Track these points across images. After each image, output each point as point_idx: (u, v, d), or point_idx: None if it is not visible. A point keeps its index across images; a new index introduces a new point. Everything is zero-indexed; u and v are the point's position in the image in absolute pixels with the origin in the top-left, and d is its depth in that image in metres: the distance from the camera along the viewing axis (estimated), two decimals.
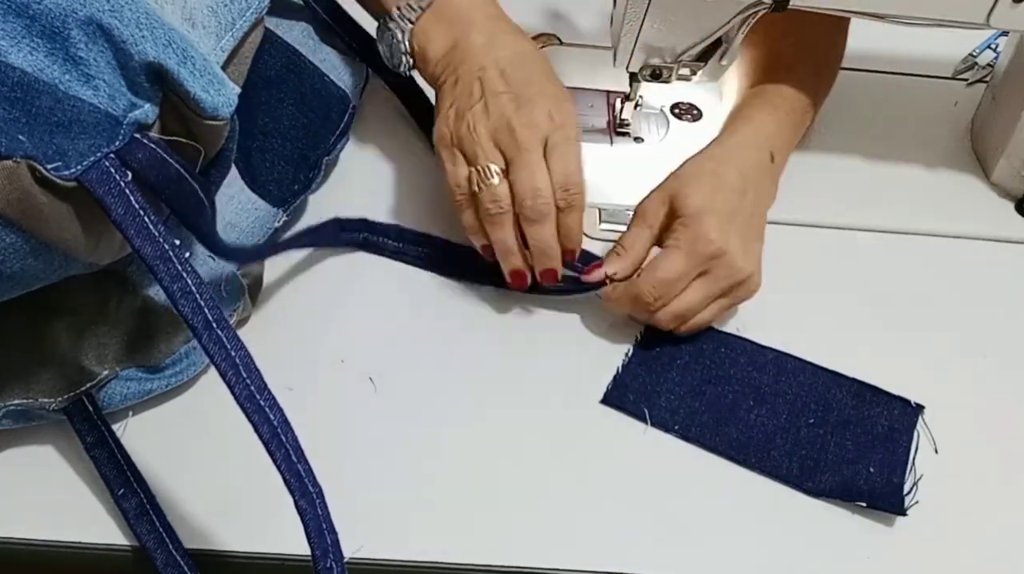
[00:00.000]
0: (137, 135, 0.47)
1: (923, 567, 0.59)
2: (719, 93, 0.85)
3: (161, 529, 0.55)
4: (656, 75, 0.75)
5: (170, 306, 0.58)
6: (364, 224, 0.71)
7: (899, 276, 0.75)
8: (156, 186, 0.48)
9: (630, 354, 0.67)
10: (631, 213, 0.70)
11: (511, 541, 0.58)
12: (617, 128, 0.82)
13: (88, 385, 0.57)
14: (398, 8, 0.72)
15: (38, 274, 0.49)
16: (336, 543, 0.48)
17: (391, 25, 0.72)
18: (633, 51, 0.73)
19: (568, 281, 0.68)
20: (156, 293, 0.59)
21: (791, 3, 0.69)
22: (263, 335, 0.65)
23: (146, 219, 0.46)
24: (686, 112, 0.84)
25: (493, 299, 0.70)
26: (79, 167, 0.45)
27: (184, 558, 0.54)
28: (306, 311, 0.68)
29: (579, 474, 0.61)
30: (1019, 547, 0.61)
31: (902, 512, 0.60)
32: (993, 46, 0.93)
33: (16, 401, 0.56)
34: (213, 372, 0.62)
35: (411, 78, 0.77)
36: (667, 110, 0.84)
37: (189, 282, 0.47)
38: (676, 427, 0.63)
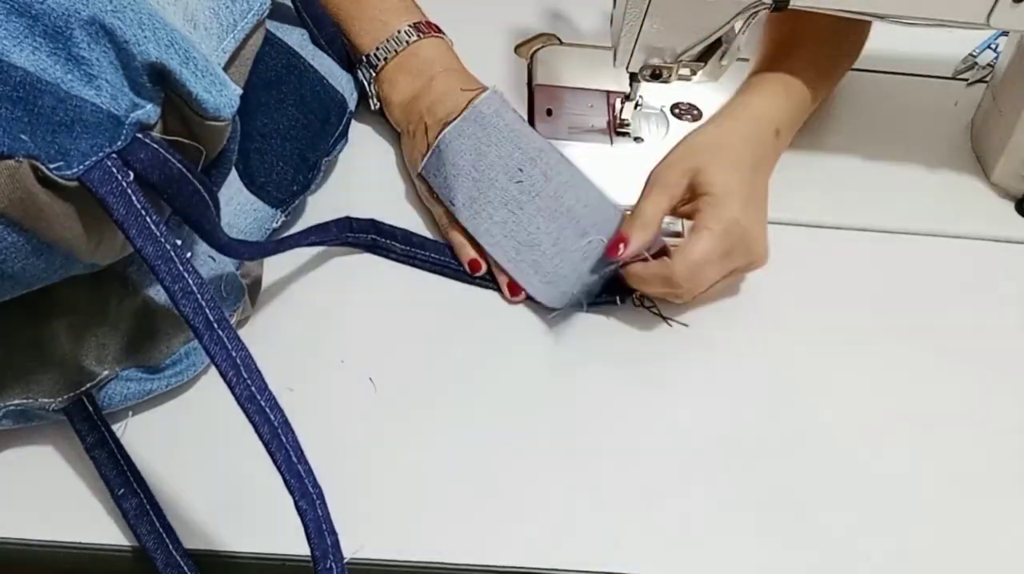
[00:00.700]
0: (139, 135, 0.47)
1: (923, 567, 0.59)
2: (719, 93, 0.85)
3: (161, 529, 0.55)
4: (656, 75, 0.75)
5: (170, 306, 0.58)
6: (372, 226, 0.71)
7: (899, 276, 0.75)
8: (158, 186, 0.48)
9: None
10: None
11: (511, 541, 0.58)
12: (617, 128, 0.82)
13: (88, 385, 0.57)
14: (365, 56, 0.77)
15: (39, 274, 0.49)
16: (336, 544, 0.48)
17: (360, 69, 0.77)
18: (633, 51, 0.73)
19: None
20: (156, 293, 0.59)
21: (791, 3, 0.69)
22: (264, 336, 0.65)
23: (148, 219, 0.46)
24: (686, 112, 0.84)
25: (494, 301, 0.70)
26: (81, 167, 0.45)
27: (184, 558, 0.54)
28: (306, 311, 0.68)
29: (579, 474, 0.61)
30: (1019, 547, 0.61)
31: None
32: (993, 46, 0.93)
33: (16, 401, 0.56)
34: (213, 372, 0.62)
35: None
36: (667, 110, 0.84)
37: (190, 282, 0.47)
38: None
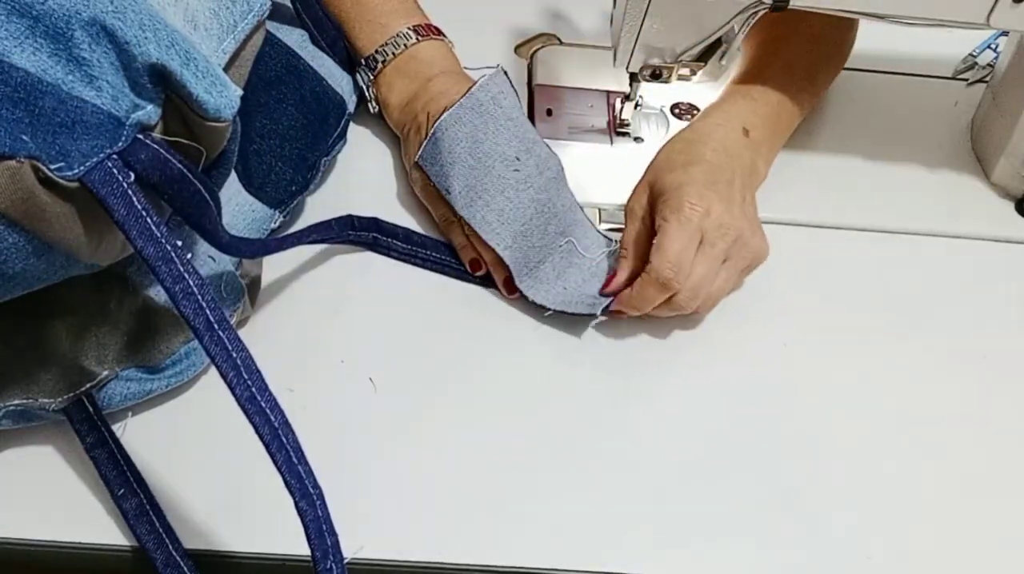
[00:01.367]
0: (139, 136, 0.47)
1: (923, 567, 0.59)
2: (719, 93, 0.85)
3: (161, 529, 0.55)
4: (656, 75, 0.75)
5: (170, 306, 0.58)
6: (374, 224, 0.71)
7: (899, 276, 0.75)
8: (159, 186, 0.48)
9: None
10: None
11: (511, 541, 0.58)
12: (617, 128, 0.82)
13: (88, 385, 0.57)
14: (364, 59, 0.77)
15: (40, 274, 0.49)
16: (336, 544, 0.48)
17: (360, 71, 0.77)
18: (633, 51, 0.73)
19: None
20: (156, 293, 0.59)
21: (791, 3, 0.69)
22: (264, 336, 0.65)
23: (148, 220, 0.46)
24: (686, 112, 0.84)
25: (494, 301, 0.70)
26: (82, 168, 0.45)
27: (184, 558, 0.54)
28: (306, 312, 0.68)
29: (580, 474, 0.61)
30: (1019, 547, 0.61)
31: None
32: (993, 46, 0.93)
33: (16, 401, 0.56)
34: (213, 372, 0.62)
35: None
36: (667, 110, 0.84)
37: (191, 283, 0.47)
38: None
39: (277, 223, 0.69)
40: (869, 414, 0.66)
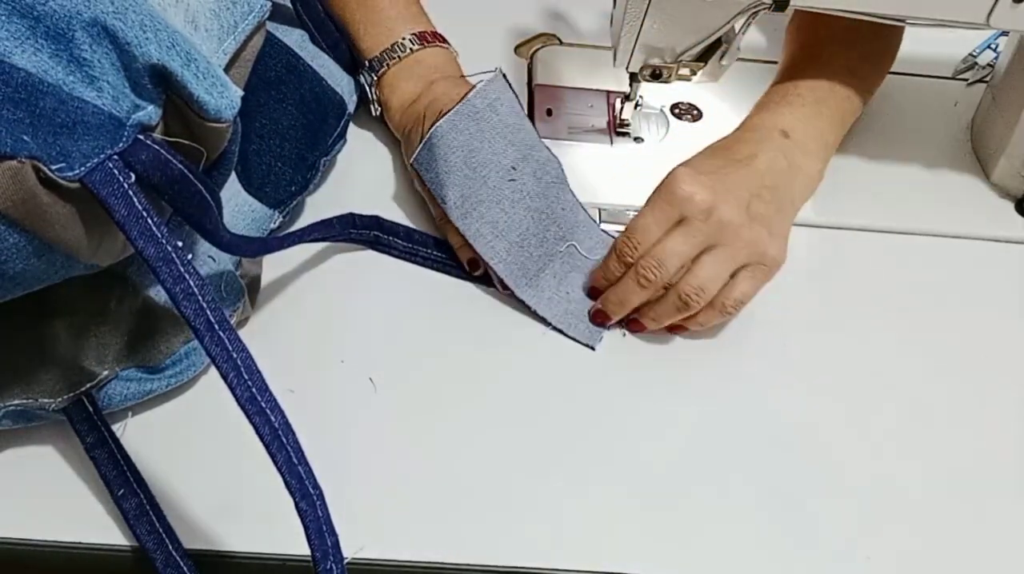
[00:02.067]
0: (140, 136, 0.47)
1: (923, 567, 0.59)
2: (719, 93, 0.85)
3: (160, 530, 0.55)
4: (656, 75, 0.75)
5: (170, 306, 0.58)
6: (375, 222, 0.71)
7: (899, 276, 0.75)
8: (160, 187, 0.48)
9: None
10: (631, 213, 0.70)
11: (511, 541, 0.58)
12: (617, 128, 0.82)
13: (88, 385, 0.57)
14: (368, 61, 0.77)
15: (40, 275, 0.49)
16: (336, 545, 0.48)
17: (363, 73, 0.77)
18: (633, 51, 0.73)
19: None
20: (156, 293, 0.59)
21: (791, 3, 0.69)
22: (264, 336, 0.65)
23: (149, 221, 0.46)
24: (686, 112, 0.84)
25: (495, 301, 0.70)
26: (83, 168, 0.45)
27: (184, 559, 0.54)
28: (306, 312, 0.68)
29: (580, 474, 0.61)
30: (1019, 547, 0.61)
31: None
32: (993, 46, 0.93)
33: (16, 401, 0.56)
34: (213, 372, 0.62)
35: None
36: (667, 110, 0.84)
37: (191, 283, 0.47)
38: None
39: (277, 223, 0.69)
40: (869, 414, 0.66)
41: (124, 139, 0.46)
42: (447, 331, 0.68)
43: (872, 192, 0.81)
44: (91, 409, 0.58)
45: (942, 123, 0.87)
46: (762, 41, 0.93)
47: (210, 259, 0.61)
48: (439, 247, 0.72)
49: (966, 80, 0.92)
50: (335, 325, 0.67)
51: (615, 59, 0.74)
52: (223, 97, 0.48)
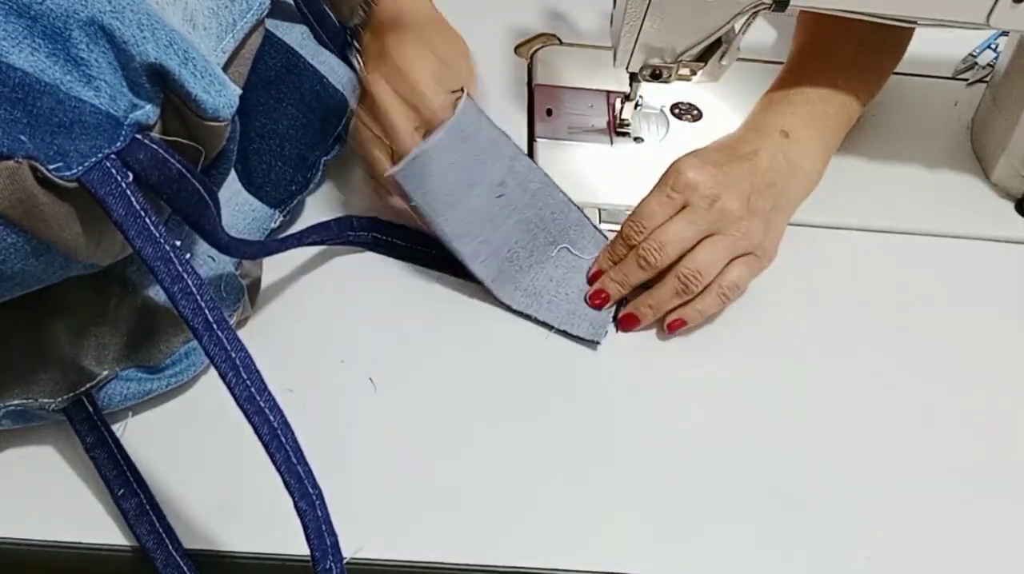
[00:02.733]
0: (138, 136, 0.47)
1: (922, 567, 0.59)
2: (719, 93, 0.85)
3: (160, 529, 0.55)
4: (656, 75, 0.75)
5: (170, 306, 0.58)
6: (372, 223, 0.71)
7: (899, 276, 0.75)
8: (158, 186, 0.48)
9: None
10: (631, 212, 0.70)
11: (511, 541, 0.58)
12: (617, 128, 0.82)
13: (88, 385, 0.57)
14: (348, 30, 0.74)
15: (39, 275, 0.49)
16: (336, 545, 0.48)
17: (349, 50, 0.74)
18: (633, 51, 0.73)
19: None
20: (156, 293, 0.59)
21: (791, 3, 0.69)
22: (264, 336, 0.65)
23: (147, 220, 0.46)
24: (686, 112, 0.84)
25: (495, 300, 0.70)
26: (80, 168, 0.45)
27: (184, 558, 0.54)
28: (306, 312, 0.68)
29: (580, 474, 0.61)
30: (1020, 547, 0.61)
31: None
32: (993, 46, 0.93)
33: (16, 401, 0.56)
34: (213, 372, 0.62)
35: None
36: (667, 110, 0.84)
37: (190, 283, 0.47)
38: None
39: (277, 223, 0.69)
40: (869, 414, 0.66)
41: (122, 138, 0.46)
42: (446, 331, 0.68)
43: (872, 192, 0.81)
44: (91, 409, 0.58)
45: (942, 123, 0.87)
46: (762, 41, 0.93)
47: (210, 259, 0.61)
48: (439, 246, 0.72)
49: (966, 80, 0.92)
50: (335, 325, 0.67)
51: (615, 59, 0.74)
52: (221, 96, 0.48)
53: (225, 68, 0.52)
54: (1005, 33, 0.87)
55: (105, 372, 0.57)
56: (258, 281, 0.66)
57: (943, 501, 0.62)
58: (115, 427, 0.59)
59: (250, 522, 0.57)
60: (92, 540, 0.56)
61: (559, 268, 0.70)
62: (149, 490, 0.56)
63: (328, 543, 0.48)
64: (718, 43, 0.73)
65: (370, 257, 0.72)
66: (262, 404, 0.47)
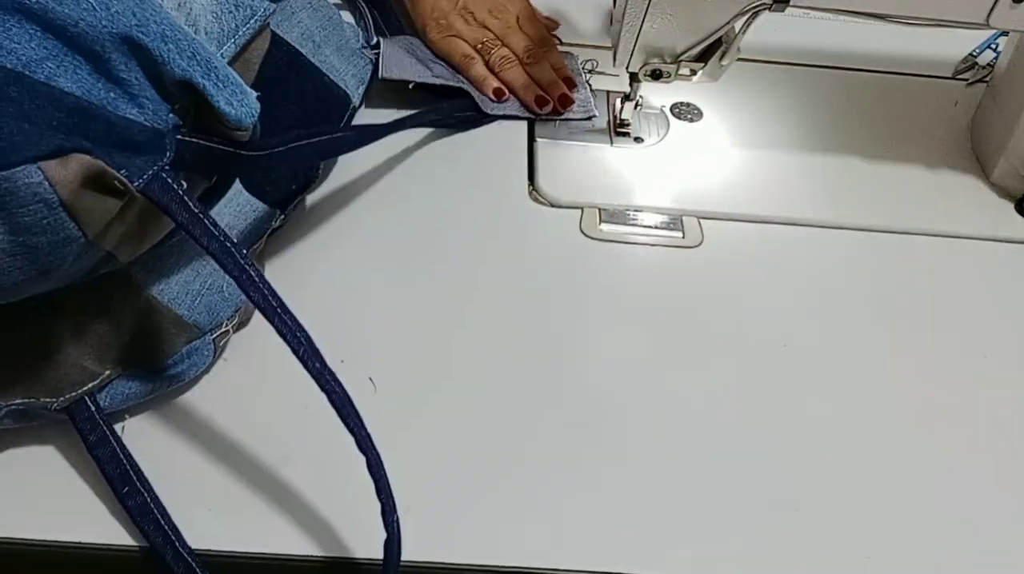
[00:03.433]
0: (179, 137, 0.49)
1: (923, 567, 0.59)
2: (719, 93, 0.85)
3: (167, 527, 0.55)
4: (656, 75, 0.75)
5: (172, 306, 0.59)
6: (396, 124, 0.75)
7: (899, 276, 0.75)
8: (209, 172, 0.50)
9: None
10: (631, 213, 0.70)
11: (511, 541, 0.58)
12: (617, 128, 0.82)
13: (90, 385, 0.57)
14: None
15: (76, 273, 0.50)
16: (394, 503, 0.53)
17: None
18: (633, 51, 0.73)
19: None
20: (159, 293, 0.59)
21: (791, 2, 0.69)
22: (263, 336, 0.65)
23: (206, 222, 0.49)
24: (686, 112, 0.84)
25: (495, 300, 0.70)
26: (140, 181, 0.47)
27: (191, 555, 0.54)
28: (306, 311, 0.68)
29: (580, 474, 0.61)
30: (1020, 548, 0.61)
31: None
32: (993, 46, 0.93)
33: (18, 401, 0.56)
34: (214, 372, 0.63)
35: None
36: (667, 110, 0.84)
37: (252, 273, 0.51)
38: None
39: (279, 223, 0.69)
40: (869, 414, 0.66)
41: (168, 148, 0.49)
42: (447, 331, 0.68)
43: (872, 192, 0.81)
44: (93, 408, 0.58)
45: (942, 123, 0.87)
46: (762, 41, 0.93)
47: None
48: (459, 107, 0.82)
49: (966, 80, 0.92)
50: (335, 325, 0.67)
51: (615, 59, 0.75)
52: (243, 105, 0.50)
53: None
54: (1005, 33, 0.87)
55: (107, 371, 0.57)
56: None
57: (943, 501, 0.62)
58: (115, 427, 0.59)
59: (250, 522, 0.57)
60: (94, 540, 0.56)
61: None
62: (152, 489, 0.56)
63: (393, 502, 0.53)
64: (718, 43, 0.73)
65: (371, 257, 0.72)
66: (328, 376, 0.52)
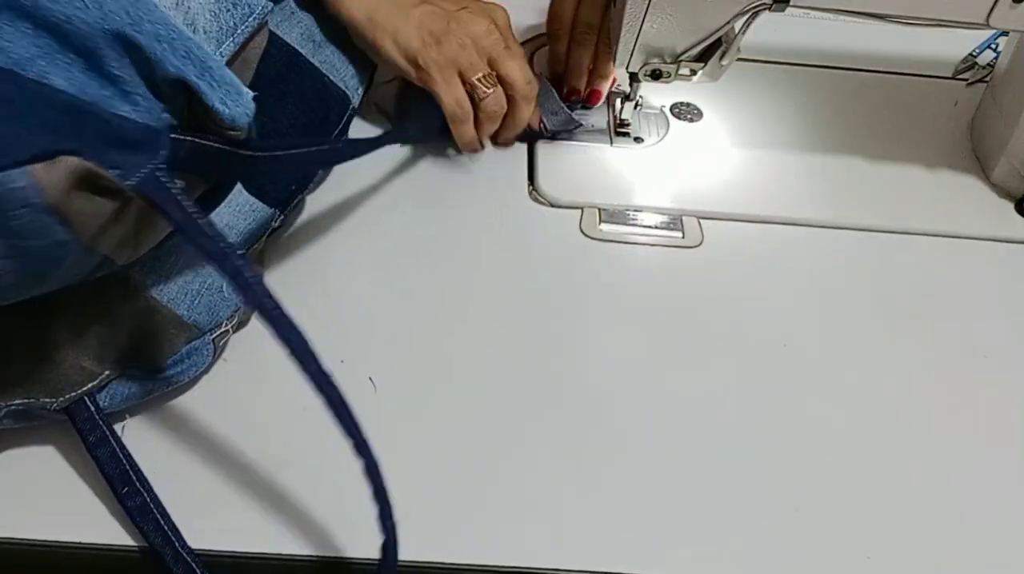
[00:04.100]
0: (173, 135, 0.49)
1: (923, 567, 0.59)
2: (719, 93, 0.85)
3: (166, 527, 0.55)
4: (656, 75, 0.75)
5: (171, 306, 0.59)
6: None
7: (899, 276, 0.75)
8: (205, 172, 0.50)
9: None
10: (631, 213, 0.70)
11: (511, 541, 0.58)
12: (617, 128, 0.82)
13: (90, 385, 0.57)
14: None
15: (71, 277, 0.50)
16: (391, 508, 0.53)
17: None
18: (633, 51, 0.73)
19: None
20: (158, 293, 0.59)
21: (791, 2, 0.69)
22: (263, 336, 0.64)
23: (199, 221, 0.49)
24: (686, 112, 0.84)
25: (495, 299, 0.70)
26: (135, 179, 0.47)
27: (191, 555, 0.54)
28: (306, 311, 0.68)
29: (580, 475, 0.61)
30: (1020, 548, 0.61)
31: None
32: (993, 46, 0.93)
33: (17, 401, 0.56)
34: (214, 372, 0.63)
35: None
36: (667, 110, 0.84)
37: (247, 275, 0.50)
38: None
39: (278, 223, 0.69)
40: (869, 414, 0.66)
41: (163, 146, 0.48)
42: (446, 331, 0.68)
43: (872, 192, 0.81)
44: (93, 409, 0.58)
45: (942, 123, 0.87)
46: (762, 41, 0.93)
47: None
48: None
49: (966, 80, 0.92)
50: (335, 324, 0.67)
51: (615, 59, 0.75)
52: (238, 105, 0.49)
53: None
54: (1005, 33, 0.87)
55: (107, 372, 0.57)
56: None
57: (943, 501, 0.62)
58: (115, 427, 0.59)
59: (250, 522, 0.57)
60: (94, 540, 0.56)
61: None
62: (152, 489, 0.56)
63: (389, 505, 0.52)
64: (718, 43, 0.73)
65: (371, 257, 0.72)
66: (324, 379, 0.51)
